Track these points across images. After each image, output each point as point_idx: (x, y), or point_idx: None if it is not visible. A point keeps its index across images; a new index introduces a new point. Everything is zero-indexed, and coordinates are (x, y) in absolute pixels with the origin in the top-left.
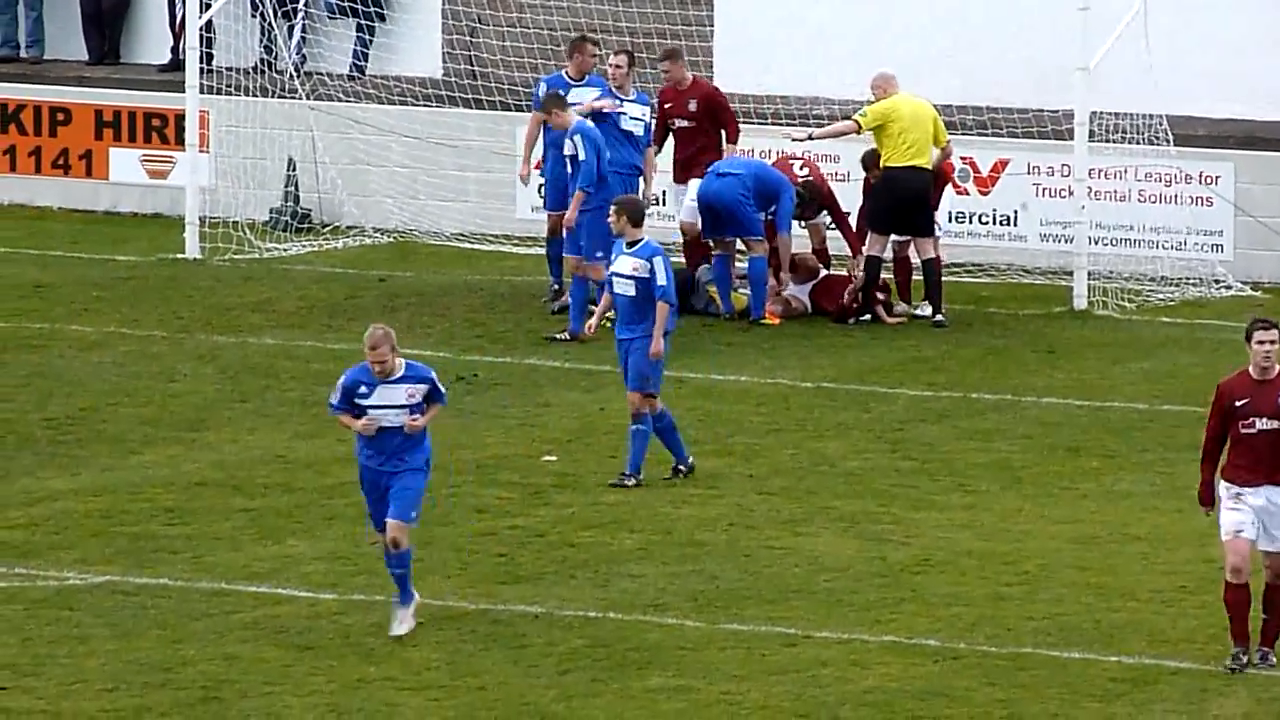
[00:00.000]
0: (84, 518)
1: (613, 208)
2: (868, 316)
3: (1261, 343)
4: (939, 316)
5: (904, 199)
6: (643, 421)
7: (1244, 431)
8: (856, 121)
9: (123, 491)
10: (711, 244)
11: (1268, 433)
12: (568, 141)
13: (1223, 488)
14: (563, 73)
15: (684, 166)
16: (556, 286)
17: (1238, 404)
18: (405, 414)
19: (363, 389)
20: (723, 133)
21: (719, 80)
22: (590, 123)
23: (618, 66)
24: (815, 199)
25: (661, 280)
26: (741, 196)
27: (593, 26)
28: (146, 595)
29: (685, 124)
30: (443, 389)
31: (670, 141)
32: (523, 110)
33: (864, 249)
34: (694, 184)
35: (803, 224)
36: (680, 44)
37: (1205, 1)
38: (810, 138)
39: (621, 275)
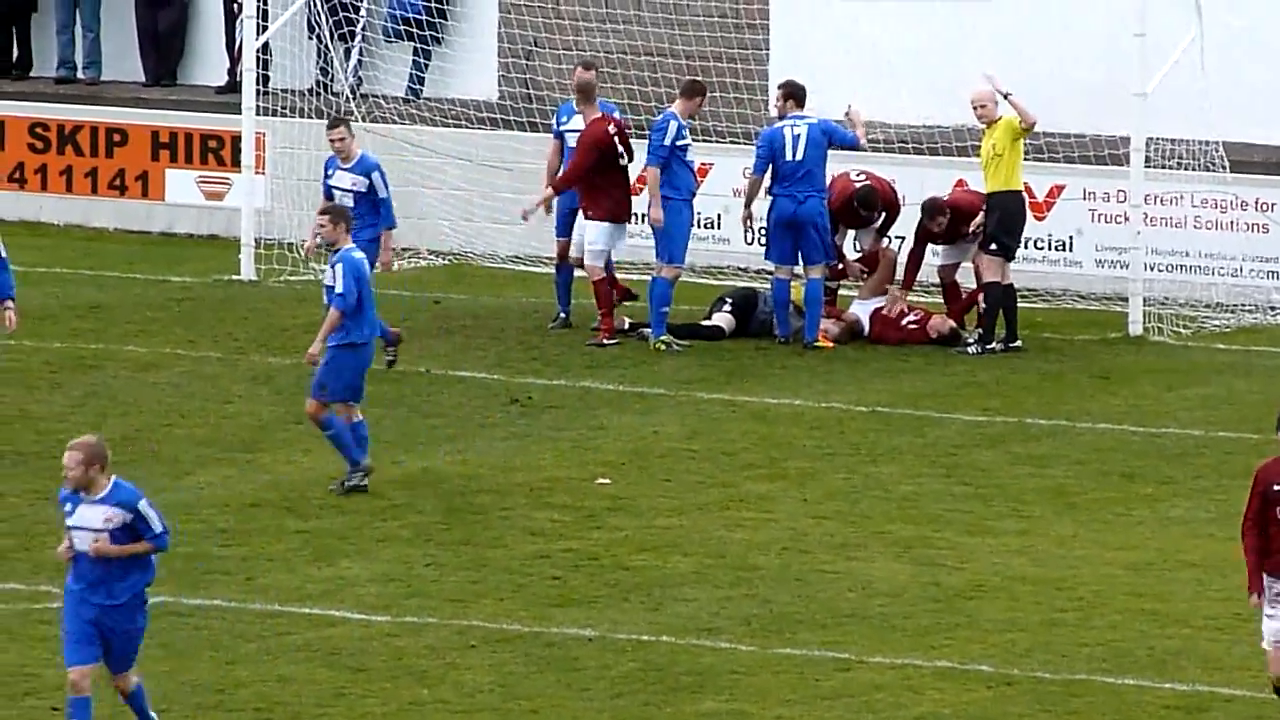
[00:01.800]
0: None
1: (326, 217)
2: (997, 346)
3: None
4: (993, 345)
5: (1023, 221)
6: (327, 425)
7: None
8: (1033, 119)
9: (177, 512)
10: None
11: None
12: (359, 177)
13: (1265, 580)
14: (573, 101)
15: (589, 208)
16: (564, 315)
17: (1276, 488)
18: (99, 538)
19: (67, 506)
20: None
21: (774, 104)
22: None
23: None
24: (875, 204)
25: (339, 287)
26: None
27: (649, 49)
28: (200, 616)
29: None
30: (157, 528)
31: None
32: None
33: (988, 276)
34: (588, 225)
35: (857, 234)
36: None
37: (1261, 27)
38: (1008, 96)
39: (326, 285)
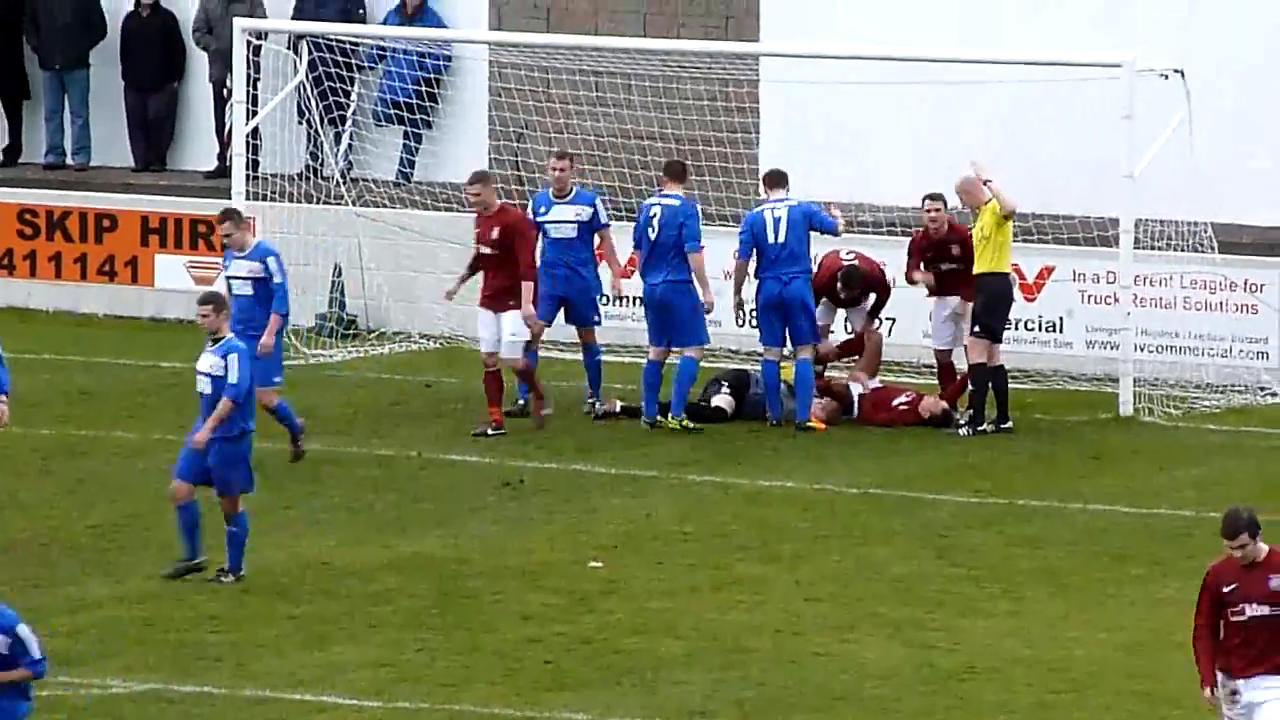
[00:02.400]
0: (128, 625)
1: (209, 306)
2: (988, 427)
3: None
4: (984, 426)
5: (1009, 303)
6: (234, 522)
7: (1234, 619)
8: (1013, 206)
9: (167, 598)
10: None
11: (1260, 619)
12: (255, 264)
13: (1219, 677)
14: (548, 191)
15: (491, 297)
16: (521, 401)
17: (1226, 589)
18: None
19: None
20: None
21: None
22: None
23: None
24: (860, 284)
25: (233, 377)
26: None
27: (639, 133)
28: (191, 703)
29: (487, 251)
30: (35, 654)
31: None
32: None
33: (975, 358)
34: (507, 317)
35: (848, 314)
36: (489, 171)
37: (1249, 109)
38: (988, 183)
39: (201, 373)
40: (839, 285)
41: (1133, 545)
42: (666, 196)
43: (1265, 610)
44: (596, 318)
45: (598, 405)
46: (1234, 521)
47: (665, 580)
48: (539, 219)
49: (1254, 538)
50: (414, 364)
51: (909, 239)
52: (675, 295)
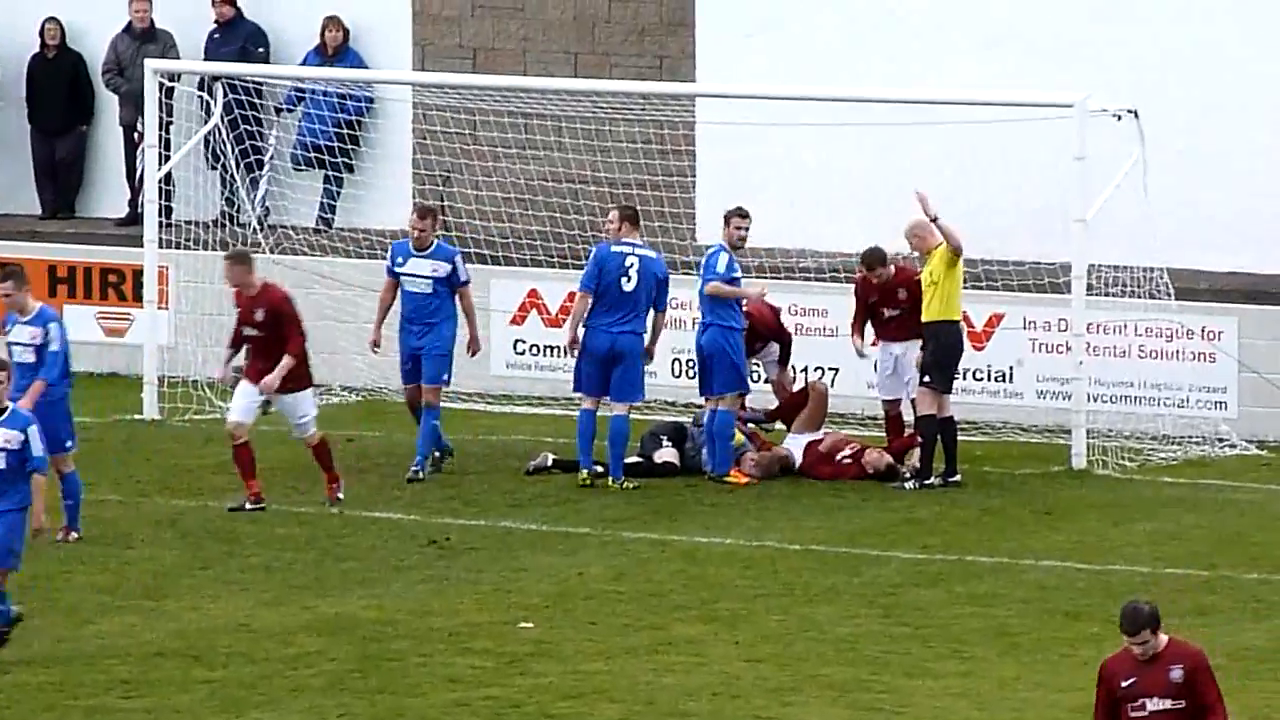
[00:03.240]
0: (37, 690)
1: (3, 373)
2: (935, 481)
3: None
4: (931, 480)
5: (959, 352)
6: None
7: (1134, 715)
8: (960, 245)
9: (78, 663)
10: None
11: (1161, 713)
12: (37, 329)
13: None
14: (409, 241)
15: (257, 377)
16: (438, 454)
17: (1124, 684)
18: None
19: None
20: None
21: (701, 231)
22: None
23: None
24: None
25: (38, 450)
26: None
27: (570, 176)
28: None
29: (253, 333)
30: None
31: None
32: (499, 264)
33: (923, 409)
34: (296, 399)
35: (763, 364)
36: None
37: (1205, 149)
38: (935, 219)
39: None
40: None
41: (1086, 603)
42: (639, 247)
43: (1167, 704)
44: (446, 376)
45: (420, 473)
46: (1134, 618)
47: (599, 642)
48: (395, 269)
49: (1155, 633)
50: (335, 418)
51: (852, 284)
52: (633, 347)
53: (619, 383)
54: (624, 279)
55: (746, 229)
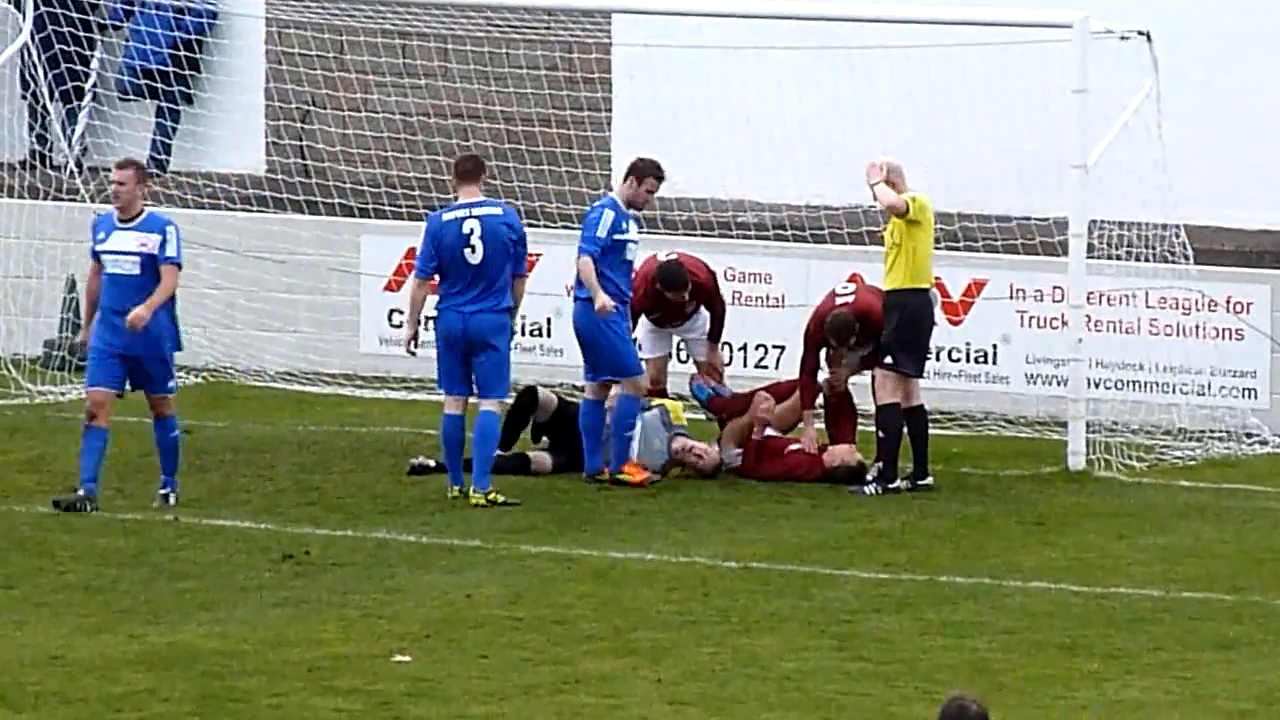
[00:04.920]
0: None
1: None
2: (902, 485)
3: None
4: (896, 483)
5: (930, 327)
6: None
7: None
8: (906, 203)
9: None
10: None
11: None
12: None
13: None
14: (114, 214)
15: None
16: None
17: None
18: None
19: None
20: None
21: (618, 178)
22: None
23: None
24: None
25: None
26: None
27: (458, 110)
28: None
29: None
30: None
31: None
32: (370, 216)
33: (886, 397)
34: None
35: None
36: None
37: (1232, 84)
38: (874, 186)
39: None
40: (661, 287)
41: (1085, 634)
42: (479, 205)
43: None
44: (171, 383)
45: (171, 497)
46: None
47: (491, 679)
48: (97, 248)
49: None
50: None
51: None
52: (497, 330)
53: (484, 374)
54: (467, 250)
55: (654, 193)
